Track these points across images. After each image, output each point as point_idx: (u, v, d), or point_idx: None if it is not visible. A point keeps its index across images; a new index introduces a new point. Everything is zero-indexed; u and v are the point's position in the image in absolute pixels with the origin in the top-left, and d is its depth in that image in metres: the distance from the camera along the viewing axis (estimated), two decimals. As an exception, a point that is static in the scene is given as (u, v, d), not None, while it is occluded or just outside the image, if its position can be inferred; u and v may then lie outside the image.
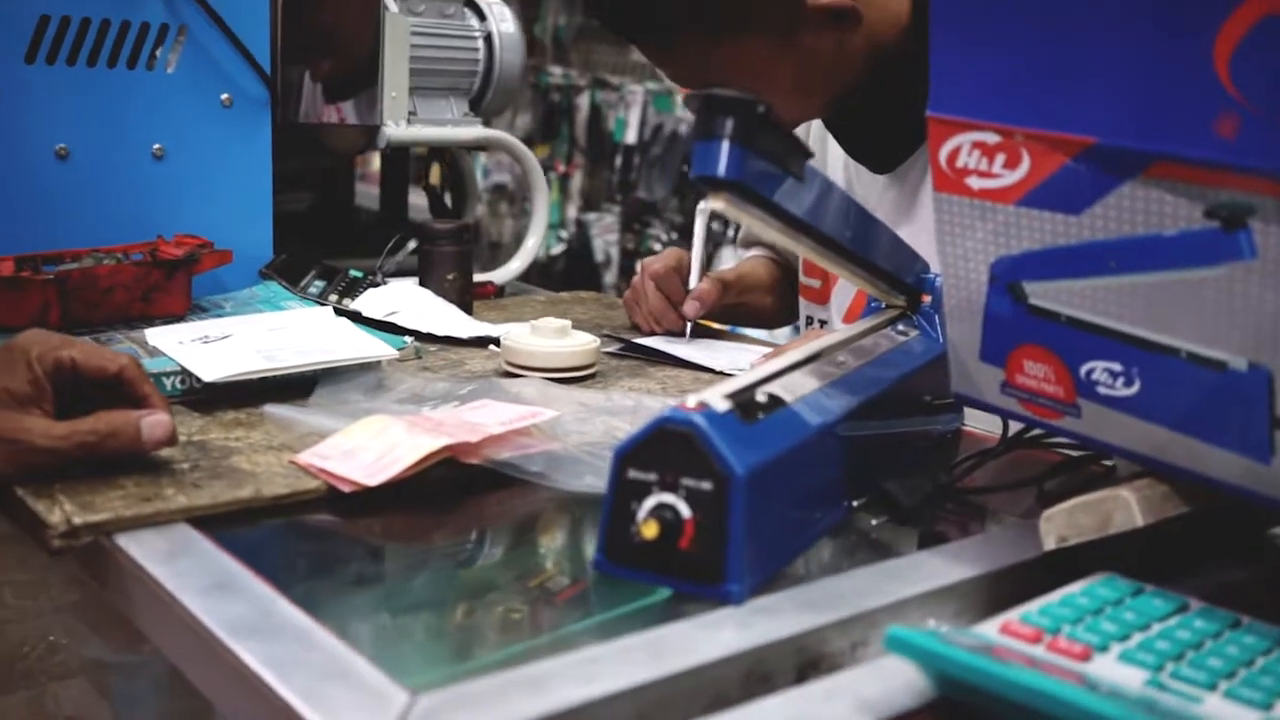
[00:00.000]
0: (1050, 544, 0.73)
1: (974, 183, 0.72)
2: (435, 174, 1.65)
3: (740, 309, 1.41)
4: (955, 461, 0.89)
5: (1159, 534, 0.72)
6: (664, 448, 0.67)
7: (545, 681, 0.57)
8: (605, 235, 3.58)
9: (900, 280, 0.96)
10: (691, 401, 0.68)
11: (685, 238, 3.42)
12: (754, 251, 1.57)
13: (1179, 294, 0.65)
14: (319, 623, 0.61)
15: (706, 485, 0.65)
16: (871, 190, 1.30)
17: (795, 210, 0.74)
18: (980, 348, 0.77)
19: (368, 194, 1.86)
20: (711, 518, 0.65)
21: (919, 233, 1.15)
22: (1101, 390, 0.72)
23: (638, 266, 1.35)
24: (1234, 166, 0.60)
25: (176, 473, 0.80)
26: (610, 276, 3.54)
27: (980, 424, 0.99)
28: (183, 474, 0.79)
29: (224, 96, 1.23)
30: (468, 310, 1.31)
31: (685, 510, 0.66)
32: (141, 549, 0.70)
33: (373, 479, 0.78)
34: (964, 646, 0.54)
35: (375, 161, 2.34)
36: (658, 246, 3.48)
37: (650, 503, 0.67)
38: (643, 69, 3.54)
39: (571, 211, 3.65)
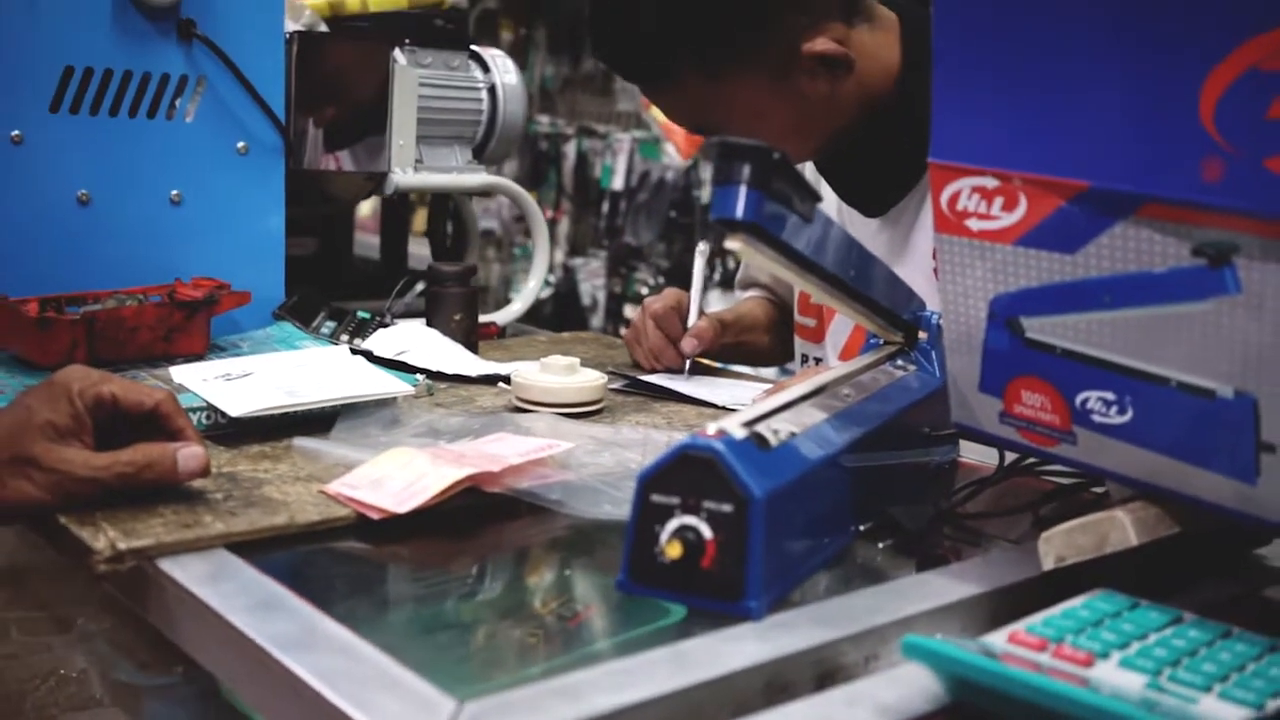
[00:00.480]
0: (1049, 563, 0.77)
1: (974, 224, 0.76)
2: (421, 219, 1.70)
3: (739, 348, 1.45)
4: (955, 489, 0.93)
5: (1151, 554, 0.76)
6: (686, 473, 0.71)
7: (580, 690, 0.60)
8: (592, 279, 3.63)
9: (898, 317, 1.00)
10: (711, 429, 0.72)
11: (671, 281, 3.47)
12: (751, 293, 1.62)
13: (1169, 327, 0.69)
14: (362, 638, 0.64)
15: (727, 507, 0.69)
16: (864, 233, 1.35)
17: (804, 250, 0.79)
18: (979, 379, 0.82)
19: (362, 242, 1.90)
20: (732, 538, 0.69)
21: (913, 273, 1.20)
22: (1096, 418, 0.76)
23: (634, 309, 1.40)
24: (1219, 207, 0.65)
25: (212, 502, 0.83)
26: (597, 320, 3.59)
27: (976, 455, 1.03)
28: (218, 503, 0.83)
29: (240, 144, 1.27)
30: (473, 350, 1.35)
31: (707, 531, 0.70)
32: (185, 572, 0.73)
33: (401, 506, 0.82)
34: (977, 652, 0.58)
35: (364, 208, 2.38)
36: (644, 290, 3.53)
37: (673, 524, 0.70)
38: (628, 118, 3.61)
39: (559, 256, 3.70)
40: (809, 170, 1.44)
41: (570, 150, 3.75)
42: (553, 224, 3.85)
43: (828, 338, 1.41)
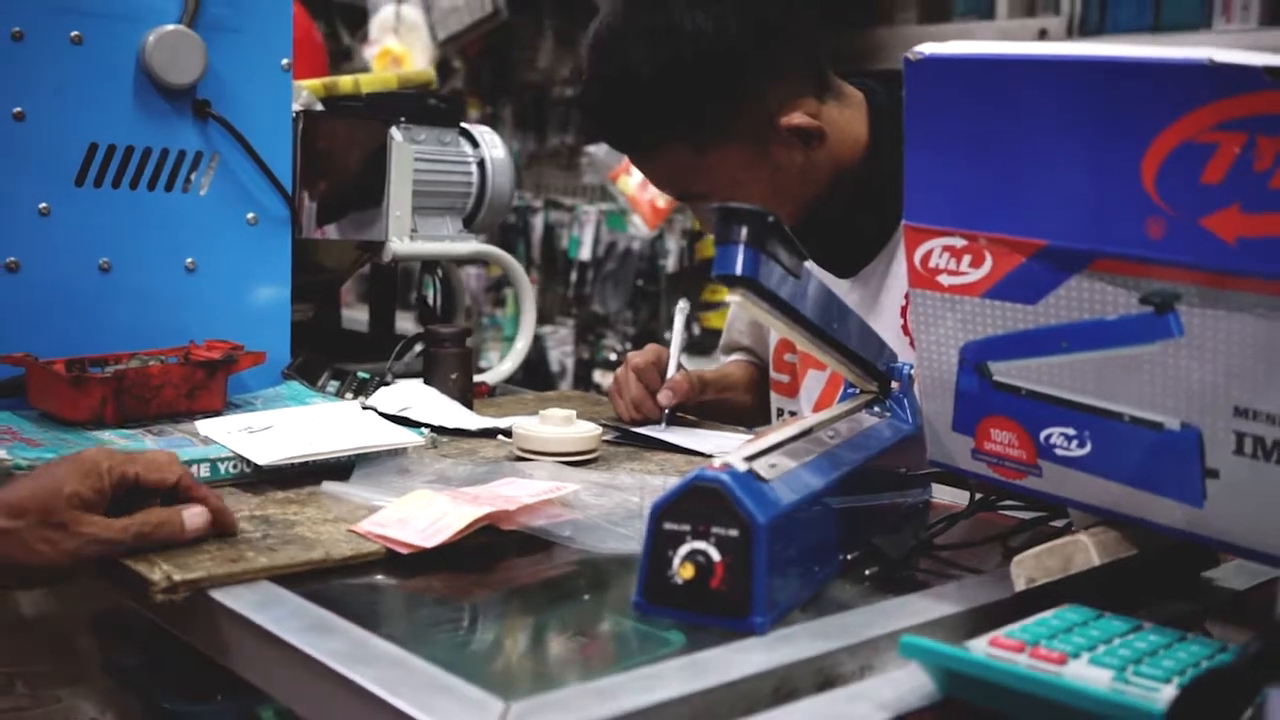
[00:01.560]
0: (1020, 584, 0.85)
1: (945, 280, 0.85)
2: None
3: (720, 406, 1.53)
4: (930, 524, 1.01)
5: (1112, 574, 0.84)
6: (695, 502, 0.78)
7: (612, 692, 0.67)
8: (561, 347, 3.72)
9: (874, 367, 1.09)
10: (716, 464, 0.80)
11: (639, 348, 3.55)
12: (735, 357, 1.71)
13: (1121, 368, 0.78)
14: (410, 653, 0.71)
15: (734, 532, 0.77)
16: (836, 293, 1.44)
17: (794, 303, 0.87)
18: (952, 420, 0.90)
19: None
20: (738, 560, 0.77)
21: (883, 329, 1.29)
22: (1059, 452, 0.84)
23: (603, 375, 1.48)
24: (1162, 261, 0.74)
25: (252, 540, 0.90)
26: (566, 386, 3.67)
27: (947, 496, 1.12)
28: (257, 541, 0.89)
29: (250, 215, 1.35)
30: (469, 407, 1.42)
31: (715, 554, 0.77)
32: (236, 601, 0.80)
33: (428, 542, 0.89)
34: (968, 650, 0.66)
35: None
36: (612, 356, 3.61)
37: (685, 549, 0.78)
38: (593, 191, 3.72)
39: (527, 326, 3.79)
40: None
41: (538, 222, 3.85)
42: (521, 294, 3.95)
43: (801, 392, 1.49)
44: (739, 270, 0.81)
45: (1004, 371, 0.85)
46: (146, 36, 1.25)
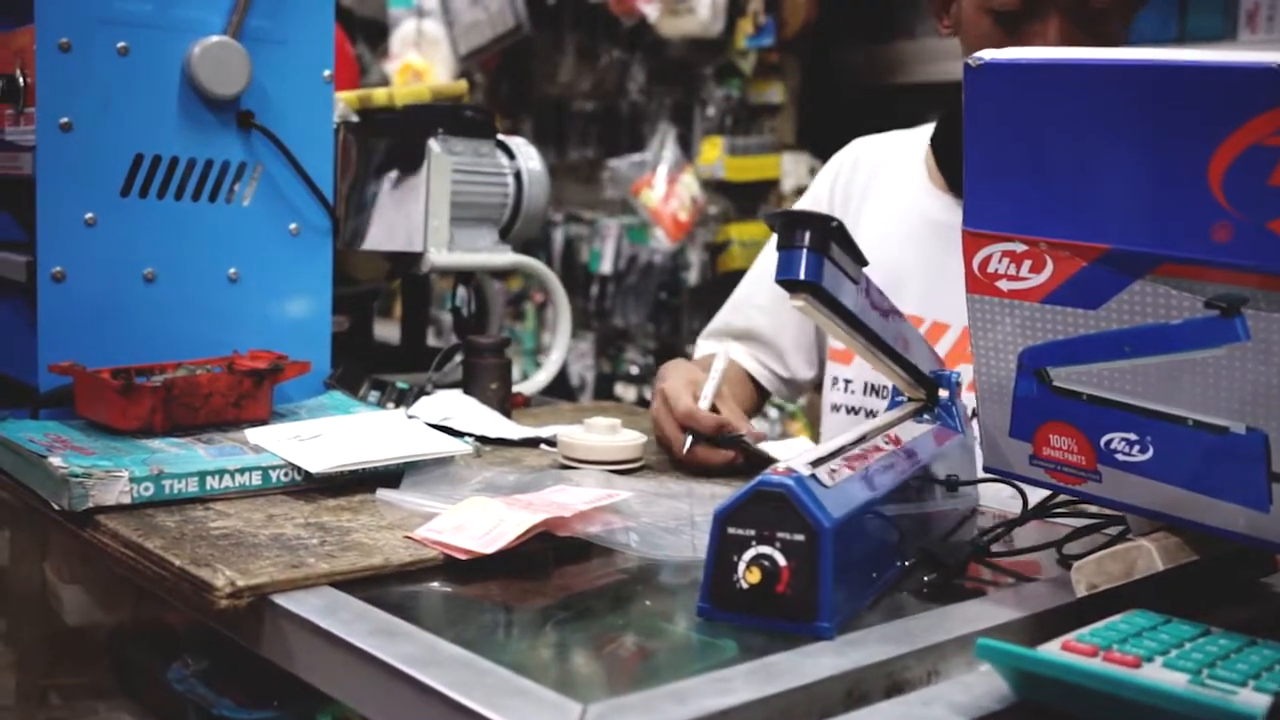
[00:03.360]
0: (1082, 590, 0.85)
1: (1004, 285, 0.85)
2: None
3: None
4: (986, 531, 1.00)
5: (1173, 580, 0.84)
6: (760, 507, 0.78)
7: (687, 695, 0.67)
8: (581, 360, 3.72)
9: (923, 374, 1.09)
10: (781, 467, 0.80)
11: (661, 362, 3.55)
12: (732, 351, 1.53)
13: (1184, 372, 0.78)
14: (480, 656, 0.71)
15: (800, 537, 0.77)
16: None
17: (856, 310, 0.87)
18: (1010, 426, 0.90)
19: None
20: (804, 565, 0.77)
21: None
22: (1120, 457, 0.84)
23: (624, 388, 1.41)
24: (1229, 265, 0.73)
25: (310, 547, 0.90)
26: (586, 399, 3.67)
27: (995, 503, 1.12)
28: (315, 548, 0.90)
29: (292, 226, 1.35)
30: (507, 416, 1.42)
31: (781, 559, 0.77)
32: (301, 606, 0.80)
33: (488, 548, 0.89)
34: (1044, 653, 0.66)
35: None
36: (634, 370, 3.61)
37: (750, 554, 0.78)
38: (614, 204, 3.73)
39: (547, 338, 3.79)
40: (922, 149, 1.50)
41: (558, 236, 3.86)
42: (541, 308, 3.94)
43: (855, 360, 1.48)
44: (802, 275, 0.81)
45: (1064, 377, 0.85)
46: (192, 47, 1.26)
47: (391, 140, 1.48)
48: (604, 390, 3.69)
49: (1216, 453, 0.79)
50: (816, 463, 0.84)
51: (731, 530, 0.79)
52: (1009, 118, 0.82)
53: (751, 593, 0.78)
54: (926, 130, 1.53)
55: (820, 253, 0.81)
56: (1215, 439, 0.78)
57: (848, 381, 1.50)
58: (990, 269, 0.85)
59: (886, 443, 0.99)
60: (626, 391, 3.58)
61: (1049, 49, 0.81)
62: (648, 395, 3.46)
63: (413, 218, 1.50)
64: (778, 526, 0.78)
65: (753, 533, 0.78)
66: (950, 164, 1.45)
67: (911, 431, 1.05)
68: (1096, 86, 0.78)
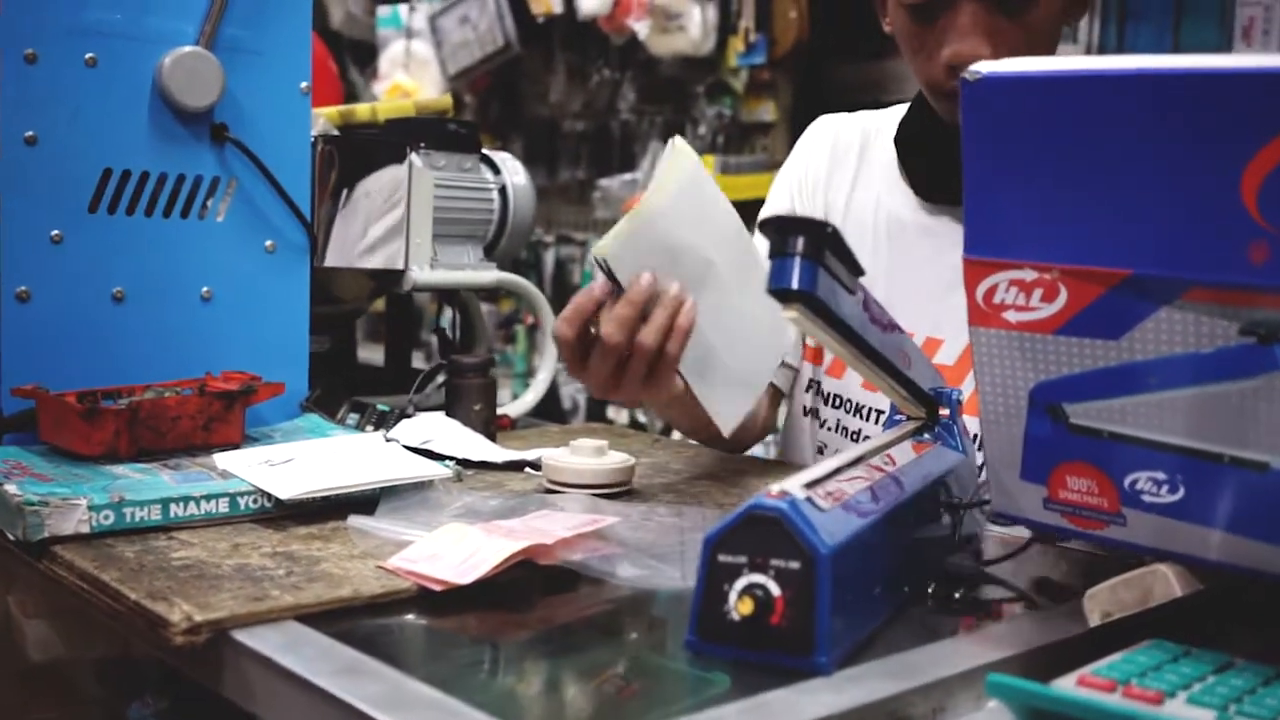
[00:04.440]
0: (1095, 620, 0.80)
1: (1011, 316, 0.77)
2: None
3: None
4: (994, 559, 0.95)
5: (1189, 608, 0.79)
6: (752, 533, 0.73)
7: (674, 739, 0.62)
8: (572, 383, 3.67)
9: (923, 392, 1.04)
10: (774, 490, 0.75)
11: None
12: None
13: (1218, 404, 0.71)
14: (451, 696, 0.66)
15: (795, 564, 0.72)
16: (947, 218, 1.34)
17: (849, 321, 0.83)
18: (1021, 468, 0.82)
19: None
20: (801, 594, 0.72)
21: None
22: (1147, 498, 0.77)
23: (616, 412, 1.33)
24: (1267, 288, 0.67)
25: (275, 578, 0.85)
26: (578, 422, 3.61)
27: (997, 529, 1.07)
28: (281, 579, 0.84)
29: (267, 243, 1.30)
30: (492, 439, 1.37)
31: (775, 589, 0.72)
32: (262, 643, 0.75)
33: (464, 578, 0.84)
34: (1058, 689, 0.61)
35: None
36: (627, 393, 3.57)
37: (741, 583, 0.73)
38: (606, 225, 3.69)
39: (540, 361, 3.74)
40: (886, 156, 1.42)
41: (549, 257, 3.81)
42: (533, 330, 3.90)
43: (828, 353, 1.39)
44: (795, 284, 0.76)
45: (1082, 413, 0.78)
46: (163, 59, 1.21)
47: (372, 154, 1.44)
48: (596, 413, 3.64)
49: (1256, 491, 0.72)
50: (812, 484, 0.79)
51: (722, 558, 0.74)
52: (1012, 135, 0.75)
53: (744, 625, 0.73)
54: (897, 112, 1.44)
55: (815, 260, 0.76)
56: (1254, 476, 0.72)
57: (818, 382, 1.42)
58: (996, 299, 0.78)
59: (885, 463, 0.94)
60: (619, 415, 3.53)
61: (1052, 59, 0.75)
62: (640, 418, 3.41)
63: (394, 234, 1.45)
64: (771, 553, 0.73)
65: (745, 560, 0.73)
66: (915, 166, 1.38)
67: (911, 452, 1.00)
68: (1110, 97, 0.71)
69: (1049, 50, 1.27)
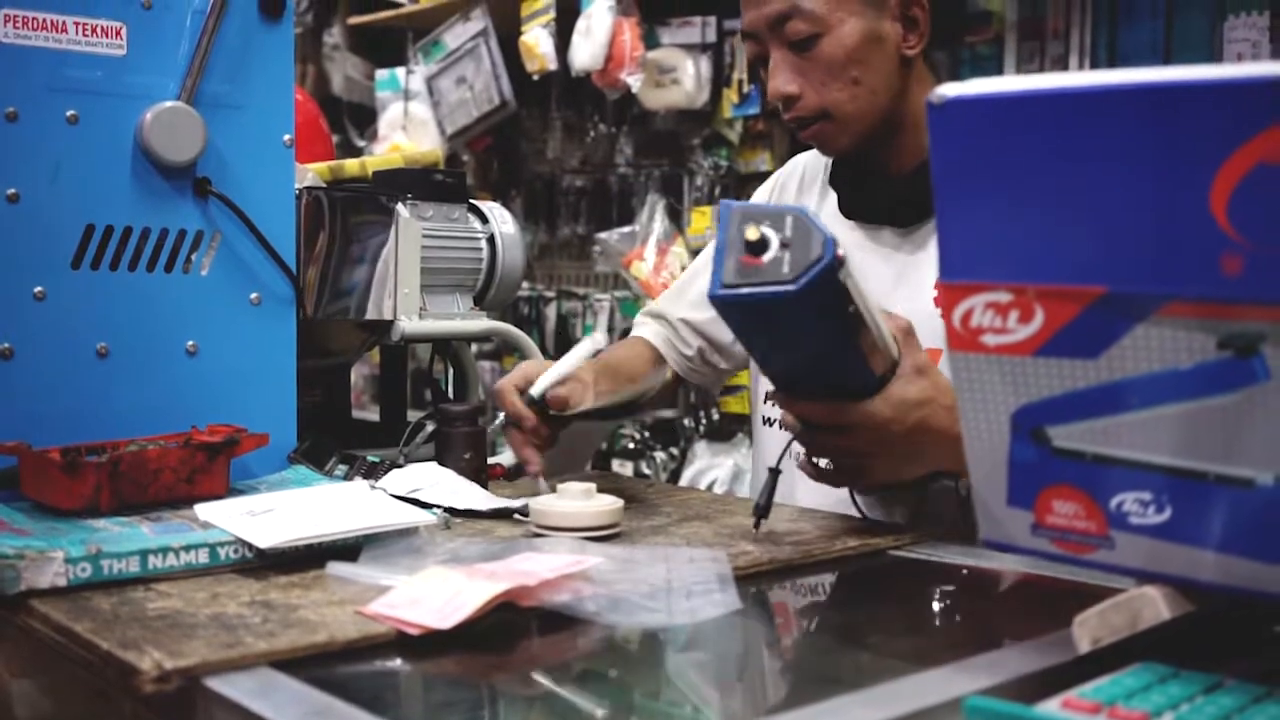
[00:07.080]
0: (1085, 646, 0.78)
1: (989, 340, 0.76)
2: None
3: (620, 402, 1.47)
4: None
5: (1178, 632, 0.77)
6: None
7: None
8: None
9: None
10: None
11: (656, 435, 3.49)
12: (649, 330, 1.69)
13: (1201, 420, 0.70)
14: (422, 738, 0.65)
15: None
16: (891, 245, 1.45)
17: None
18: (1007, 494, 0.81)
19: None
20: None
21: (920, 297, 1.35)
22: (1133, 520, 0.75)
23: (620, 464, 1.42)
24: (1241, 299, 0.66)
25: (250, 626, 0.83)
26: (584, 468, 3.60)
27: (994, 561, 1.05)
28: (256, 626, 0.83)
29: (253, 296, 1.30)
30: (484, 487, 1.36)
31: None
32: (234, 689, 0.74)
33: (445, 622, 0.82)
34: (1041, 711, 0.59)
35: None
36: (630, 445, 3.55)
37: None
38: (606, 279, 3.69)
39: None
40: (818, 182, 1.58)
41: (551, 312, 3.82)
42: (536, 385, 3.90)
43: None
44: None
45: (1065, 436, 0.77)
46: (144, 114, 1.22)
47: (358, 205, 1.44)
48: (600, 465, 3.62)
49: (1243, 508, 0.71)
50: None
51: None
52: (981, 157, 0.74)
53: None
54: None
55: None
56: (1240, 493, 0.70)
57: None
58: (973, 323, 0.77)
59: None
60: (624, 467, 3.52)
61: (1020, 78, 0.75)
62: (646, 470, 3.39)
63: (382, 285, 1.45)
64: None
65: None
66: (840, 190, 1.50)
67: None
68: (1075, 114, 0.70)
69: (867, 77, 1.38)
